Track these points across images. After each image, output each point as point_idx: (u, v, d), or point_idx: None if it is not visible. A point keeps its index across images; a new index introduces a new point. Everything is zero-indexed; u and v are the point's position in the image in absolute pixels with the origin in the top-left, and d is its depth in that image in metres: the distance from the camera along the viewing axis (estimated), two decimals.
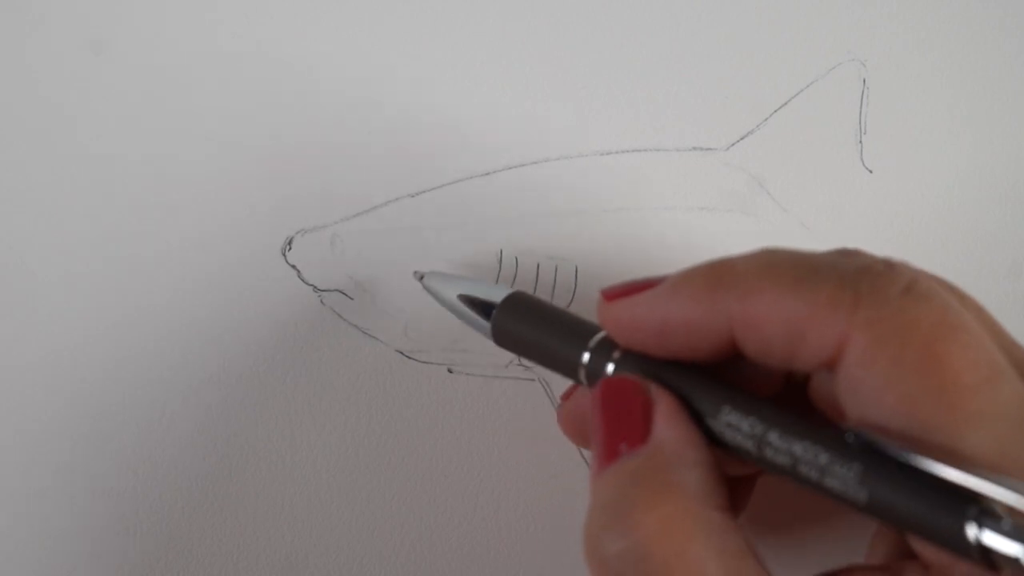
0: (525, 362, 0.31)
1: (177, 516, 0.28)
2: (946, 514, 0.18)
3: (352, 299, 0.29)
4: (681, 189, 0.33)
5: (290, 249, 0.29)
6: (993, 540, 0.17)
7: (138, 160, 0.27)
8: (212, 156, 0.28)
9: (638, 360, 0.22)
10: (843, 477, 0.19)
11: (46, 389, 0.27)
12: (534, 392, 0.31)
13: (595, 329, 0.24)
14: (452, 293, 0.27)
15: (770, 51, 0.33)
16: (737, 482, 0.24)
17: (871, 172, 0.35)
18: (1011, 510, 0.17)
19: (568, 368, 0.24)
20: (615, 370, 0.23)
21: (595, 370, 0.23)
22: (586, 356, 0.23)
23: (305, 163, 0.29)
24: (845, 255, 0.21)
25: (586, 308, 0.31)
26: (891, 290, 0.19)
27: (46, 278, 0.27)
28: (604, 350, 0.23)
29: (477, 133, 0.30)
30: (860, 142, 0.34)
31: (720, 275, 0.21)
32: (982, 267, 0.37)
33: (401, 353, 0.30)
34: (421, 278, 0.28)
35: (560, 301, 0.31)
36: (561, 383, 0.31)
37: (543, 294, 0.31)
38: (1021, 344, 0.20)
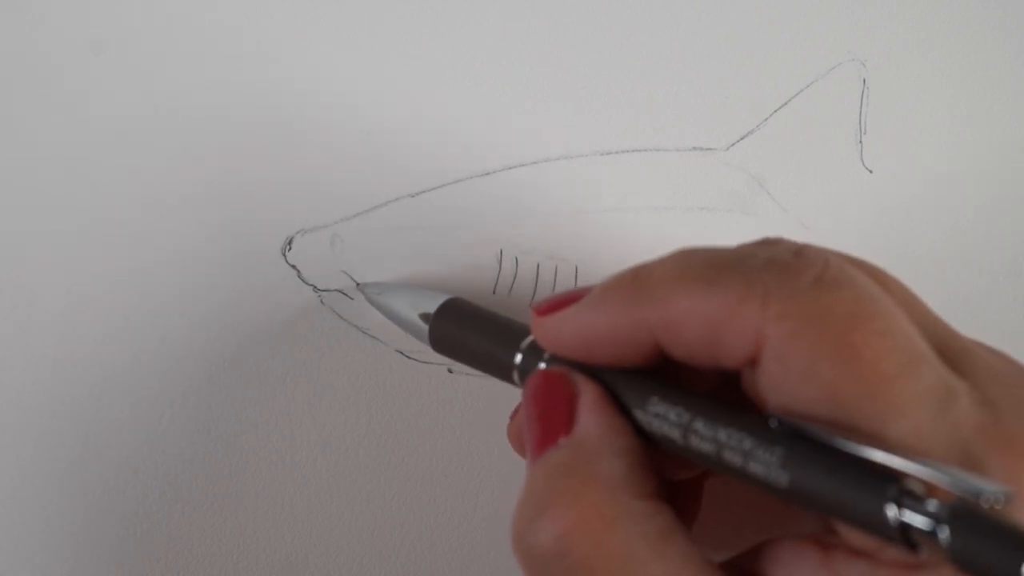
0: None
1: (177, 516, 0.28)
2: (867, 495, 0.17)
3: (352, 299, 0.29)
4: (681, 189, 0.33)
5: (290, 249, 0.29)
6: (913, 519, 0.17)
7: (138, 160, 0.27)
8: (212, 156, 0.28)
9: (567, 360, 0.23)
10: (766, 461, 0.19)
11: (45, 389, 0.27)
12: None
13: (527, 332, 0.24)
14: (391, 303, 0.28)
15: (770, 51, 0.33)
16: (685, 487, 0.24)
17: (871, 172, 0.35)
18: (932, 490, 0.17)
19: (502, 370, 0.25)
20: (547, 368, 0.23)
21: (527, 371, 0.24)
22: (518, 357, 0.24)
23: (305, 163, 0.29)
24: (762, 246, 0.21)
25: None
26: (800, 281, 0.19)
27: (45, 278, 0.27)
28: (536, 351, 0.24)
29: (477, 133, 0.30)
30: (860, 142, 0.34)
31: (637, 283, 0.21)
32: (982, 267, 0.37)
33: (401, 353, 0.30)
34: (360, 289, 0.29)
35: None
36: None
37: (543, 294, 0.31)
38: (950, 327, 0.20)
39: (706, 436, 0.20)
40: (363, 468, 0.30)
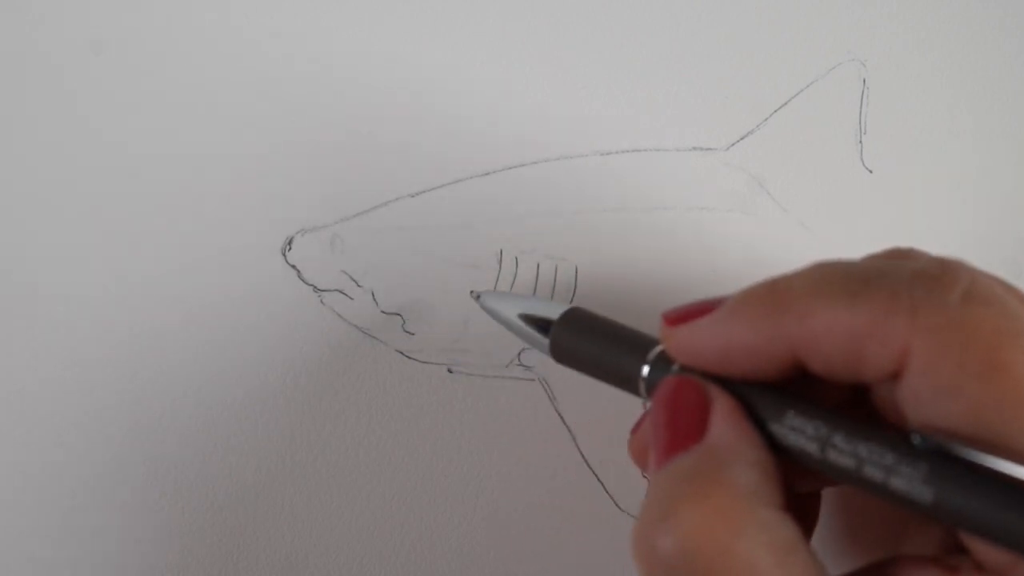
0: (525, 362, 0.31)
1: (177, 516, 0.28)
2: (1016, 515, 0.17)
3: (352, 299, 0.29)
4: (681, 189, 0.33)
5: (290, 249, 0.29)
6: None
7: (138, 160, 0.27)
8: (212, 156, 0.28)
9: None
10: (909, 477, 0.18)
11: (45, 390, 0.27)
12: (534, 392, 0.31)
13: (653, 342, 0.24)
14: (511, 312, 0.28)
15: (770, 51, 0.33)
16: (802, 500, 0.24)
17: (871, 172, 0.35)
18: None
19: (628, 382, 0.24)
20: None
21: (655, 382, 0.23)
22: (646, 369, 0.23)
23: (305, 163, 0.29)
24: (899, 256, 0.21)
25: (586, 308, 0.31)
26: (949, 295, 0.19)
27: (46, 278, 0.27)
28: (664, 362, 0.23)
29: (477, 133, 0.30)
30: (860, 142, 0.34)
31: (776, 297, 0.20)
32: (982, 267, 0.37)
33: (401, 353, 0.30)
34: (478, 297, 0.29)
35: (560, 301, 0.31)
36: (563, 382, 0.32)
37: (543, 294, 0.31)
38: None
39: (846, 450, 0.19)
40: (363, 468, 0.30)
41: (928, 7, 0.35)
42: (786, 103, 0.33)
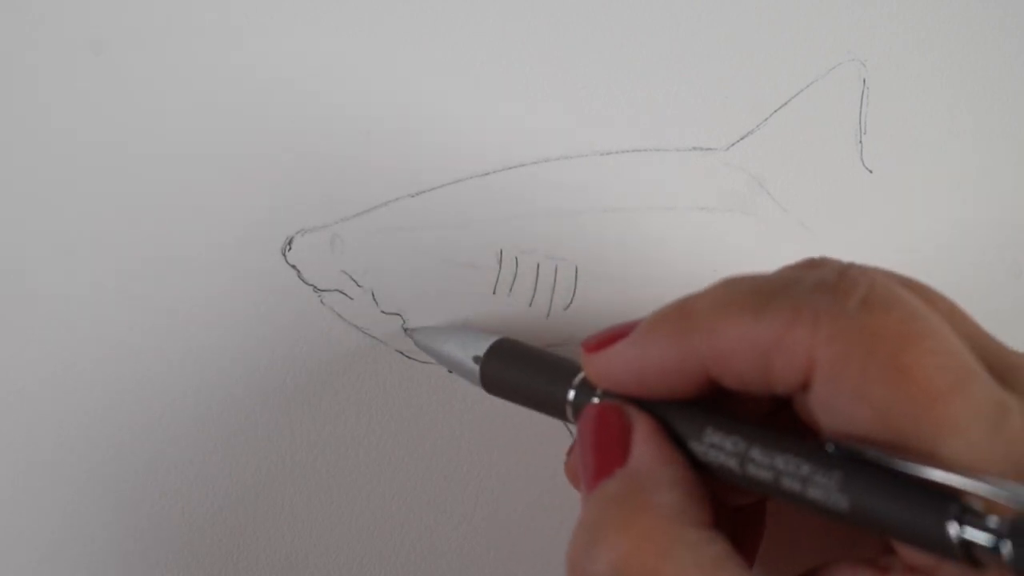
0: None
1: (177, 516, 0.28)
2: (927, 514, 0.18)
3: (352, 299, 0.29)
4: (681, 189, 0.33)
5: (290, 249, 0.29)
6: (975, 536, 0.17)
7: (138, 161, 0.27)
8: (212, 156, 0.28)
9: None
10: (824, 486, 0.19)
11: (45, 390, 0.27)
12: None
13: (578, 368, 0.24)
14: (440, 346, 0.28)
15: (770, 51, 0.33)
16: (747, 512, 0.24)
17: (871, 172, 0.35)
18: (992, 507, 0.17)
19: (556, 408, 0.25)
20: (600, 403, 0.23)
21: (581, 407, 0.24)
22: (571, 394, 0.24)
23: (305, 163, 0.29)
24: (810, 267, 0.21)
25: (586, 308, 0.31)
26: (848, 302, 0.19)
27: (45, 278, 0.27)
28: (588, 387, 0.24)
29: (477, 133, 0.30)
30: (860, 142, 0.34)
31: (685, 316, 0.21)
32: (982, 267, 0.37)
33: (401, 353, 0.30)
34: (409, 333, 0.29)
35: (560, 301, 0.31)
36: None
37: (543, 294, 0.31)
38: (999, 342, 0.20)
39: (763, 464, 0.20)
40: (363, 468, 0.30)
41: (928, 7, 0.35)
42: (786, 103, 0.33)
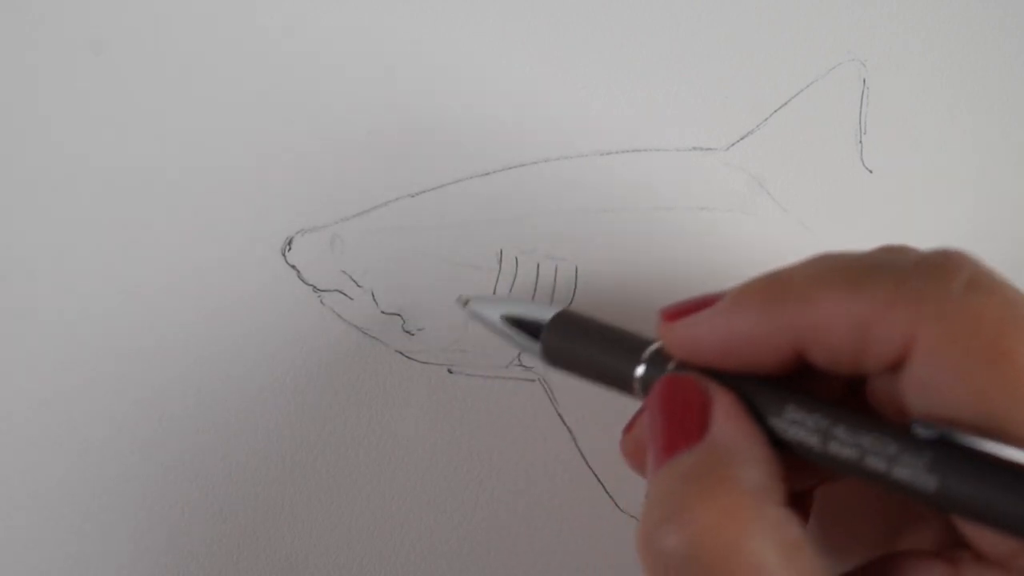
0: (525, 362, 0.31)
1: (177, 516, 0.28)
2: (1020, 499, 0.17)
3: (352, 299, 0.29)
4: (681, 189, 0.33)
5: (290, 249, 0.29)
6: None
7: (138, 160, 0.27)
8: (212, 156, 0.28)
9: (694, 368, 0.22)
10: (912, 466, 0.18)
11: (45, 391, 0.27)
12: (534, 392, 0.31)
13: (647, 342, 0.23)
14: (497, 315, 0.27)
15: (770, 51, 0.33)
16: (794, 499, 0.24)
17: (871, 172, 0.35)
18: None
19: (623, 382, 0.24)
20: None
21: (650, 381, 0.23)
22: (640, 369, 0.23)
23: (305, 163, 0.29)
24: (893, 252, 0.20)
25: (586, 308, 0.31)
26: (953, 284, 0.19)
27: (45, 278, 0.27)
28: (660, 360, 0.23)
29: (477, 133, 0.30)
30: (860, 142, 0.34)
31: (779, 287, 0.20)
32: None
33: (401, 353, 0.30)
34: (466, 303, 0.28)
35: (560, 301, 0.31)
36: (563, 382, 0.32)
37: (543, 294, 0.31)
38: None
39: (848, 442, 0.19)
40: (363, 468, 0.30)
41: (928, 7, 0.35)
42: (786, 103, 0.33)
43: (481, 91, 0.30)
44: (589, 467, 0.32)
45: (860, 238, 0.35)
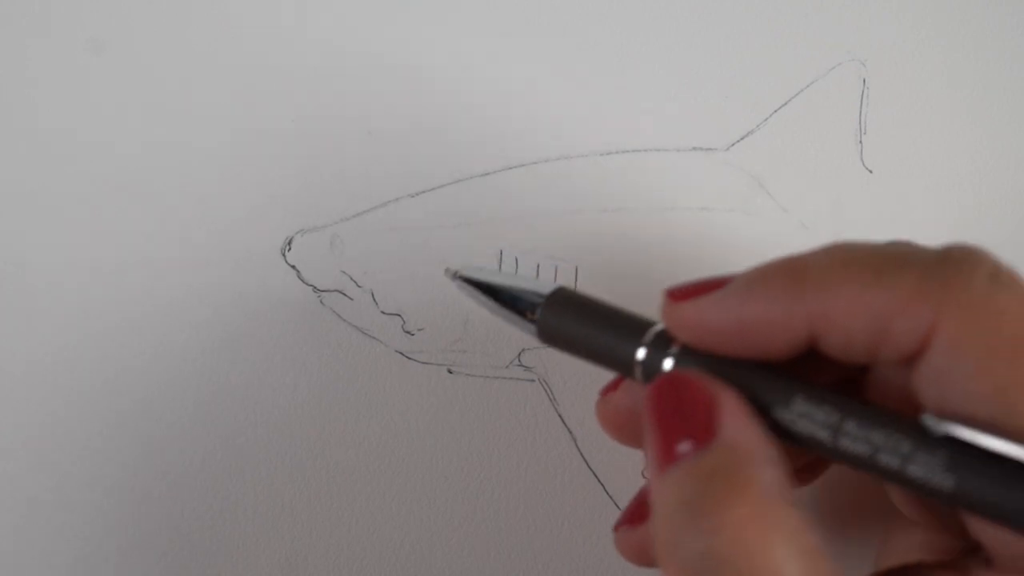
0: (525, 362, 0.31)
1: (177, 516, 0.28)
2: None
3: (352, 299, 0.29)
4: (681, 189, 0.33)
5: (290, 249, 0.29)
6: None
7: (138, 160, 0.27)
8: (212, 156, 0.28)
9: (698, 353, 0.21)
10: (927, 464, 0.18)
11: (45, 390, 0.27)
12: (534, 392, 0.31)
13: (648, 323, 0.23)
14: (492, 288, 0.25)
15: (770, 51, 0.33)
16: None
17: (871, 172, 0.35)
18: None
19: (622, 364, 0.23)
20: (674, 365, 0.22)
21: (652, 365, 0.22)
22: (642, 352, 0.22)
23: (305, 163, 0.29)
24: (908, 245, 0.20)
25: None
26: (976, 277, 0.18)
27: (45, 278, 0.27)
28: (661, 344, 0.22)
29: (477, 133, 0.30)
30: (860, 142, 0.34)
31: (797, 271, 0.20)
32: None
33: (401, 353, 0.30)
34: (455, 275, 0.26)
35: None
36: (563, 382, 0.31)
37: None
38: None
39: (859, 437, 0.19)
40: (363, 468, 0.30)
41: (928, 7, 0.35)
42: (786, 103, 0.33)
43: (481, 91, 0.30)
44: (589, 467, 0.32)
45: (860, 238, 0.34)
